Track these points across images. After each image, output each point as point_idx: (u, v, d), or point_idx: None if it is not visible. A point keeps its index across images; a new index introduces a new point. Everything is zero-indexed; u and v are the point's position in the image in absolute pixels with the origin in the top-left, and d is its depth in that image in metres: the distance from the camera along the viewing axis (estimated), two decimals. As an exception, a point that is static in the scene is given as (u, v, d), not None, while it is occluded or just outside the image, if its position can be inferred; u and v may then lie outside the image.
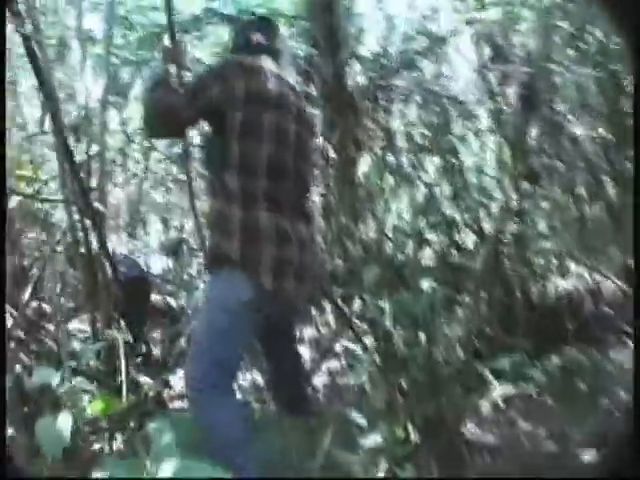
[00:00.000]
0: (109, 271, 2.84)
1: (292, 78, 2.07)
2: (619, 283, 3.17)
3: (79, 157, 2.92)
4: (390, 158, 4.22)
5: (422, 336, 2.05)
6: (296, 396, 2.06)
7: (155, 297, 4.24)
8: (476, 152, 3.81)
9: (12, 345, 2.73)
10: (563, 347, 2.69)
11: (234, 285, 1.74)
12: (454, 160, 3.65)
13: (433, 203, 3.47)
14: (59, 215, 3.50)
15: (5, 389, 2.05)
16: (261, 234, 1.76)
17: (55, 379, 1.62)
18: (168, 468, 1.14)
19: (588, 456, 1.93)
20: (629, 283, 3.06)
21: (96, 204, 2.82)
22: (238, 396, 2.00)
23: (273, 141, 1.81)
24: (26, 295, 3.00)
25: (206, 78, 1.83)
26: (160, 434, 1.25)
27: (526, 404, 2.32)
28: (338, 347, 3.61)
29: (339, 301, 3.30)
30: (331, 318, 4.80)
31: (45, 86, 2.66)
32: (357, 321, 2.93)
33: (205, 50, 4.28)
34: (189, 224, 5.83)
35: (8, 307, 2.68)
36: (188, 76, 2.11)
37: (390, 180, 4.10)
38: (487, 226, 3.09)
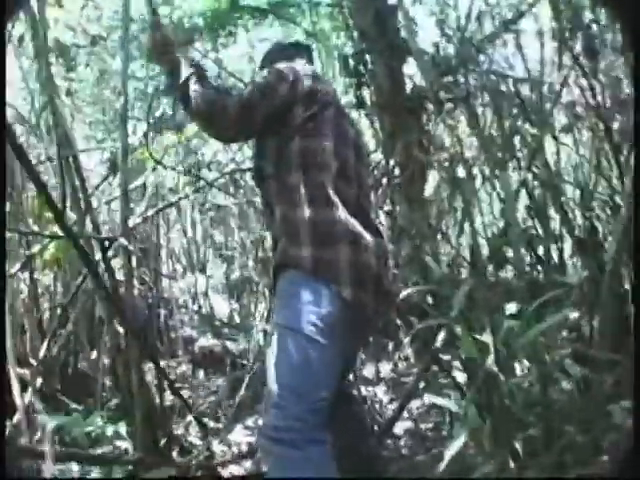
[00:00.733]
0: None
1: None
2: None
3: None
4: (460, 170, 3.72)
5: (537, 376, 1.54)
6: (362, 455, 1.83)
7: (212, 341, 3.92)
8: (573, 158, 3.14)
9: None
10: None
11: (315, 296, 1.59)
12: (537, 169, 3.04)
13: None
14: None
15: (5, 389, 2.08)
16: (337, 236, 1.64)
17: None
18: None
19: None
20: None
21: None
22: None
23: (337, 139, 1.79)
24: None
25: (271, 78, 1.81)
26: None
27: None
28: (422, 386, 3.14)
29: (419, 331, 2.83)
30: (410, 352, 4.31)
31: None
32: (444, 357, 2.45)
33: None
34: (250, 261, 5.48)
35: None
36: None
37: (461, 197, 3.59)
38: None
